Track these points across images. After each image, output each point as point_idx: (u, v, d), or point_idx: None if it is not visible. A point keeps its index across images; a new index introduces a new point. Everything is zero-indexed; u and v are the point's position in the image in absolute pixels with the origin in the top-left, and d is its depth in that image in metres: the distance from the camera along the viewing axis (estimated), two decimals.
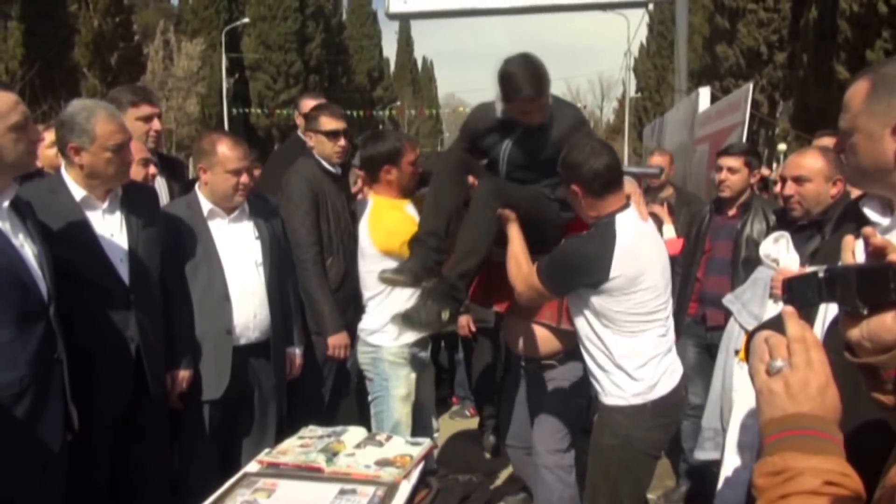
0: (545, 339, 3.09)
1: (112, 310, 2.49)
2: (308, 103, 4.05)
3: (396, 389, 3.16)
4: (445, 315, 2.73)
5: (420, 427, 3.28)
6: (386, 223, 3.16)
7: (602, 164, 2.43)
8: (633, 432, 2.50)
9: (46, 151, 3.04)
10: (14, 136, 1.99)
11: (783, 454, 0.86)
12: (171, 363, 2.78)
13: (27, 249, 2.10)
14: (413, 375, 3.21)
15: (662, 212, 4.42)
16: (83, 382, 2.34)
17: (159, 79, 27.04)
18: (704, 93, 6.87)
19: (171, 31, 29.42)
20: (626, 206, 2.50)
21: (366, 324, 3.24)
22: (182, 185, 3.56)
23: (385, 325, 3.09)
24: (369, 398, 3.28)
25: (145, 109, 3.30)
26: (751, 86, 5.65)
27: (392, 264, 2.92)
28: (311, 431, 2.45)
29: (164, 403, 2.75)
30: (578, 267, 2.45)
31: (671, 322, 2.60)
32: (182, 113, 27.62)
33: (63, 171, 2.54)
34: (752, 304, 2.87)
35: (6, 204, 2.06)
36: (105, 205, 2.55)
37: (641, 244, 2.48)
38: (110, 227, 2.56)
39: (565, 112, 2.86)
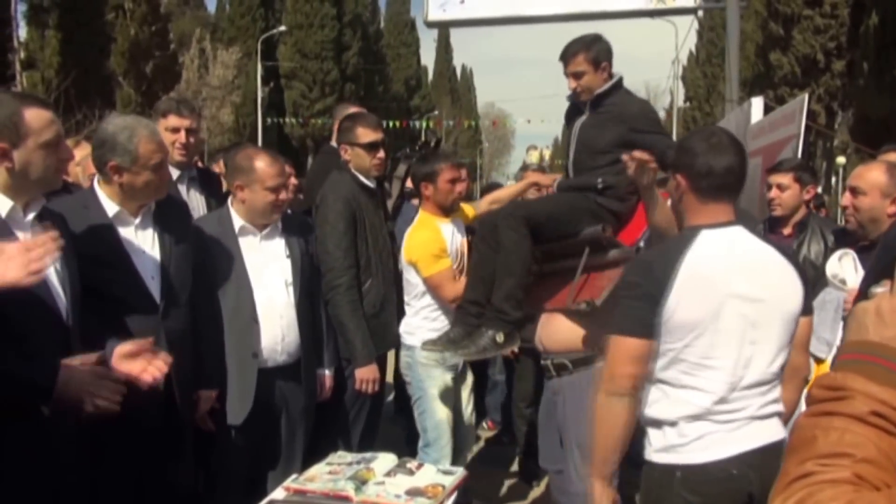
0: (561, 330, 3.01)
1: (142, 327, 2.50)
2: (345, 112, 3.96)
3: (432, 389, 3.35)
4: (500, 338, 2.90)
5: (458, 435, 3.45)
6: (413, 236, 3.41)
7: (722, 164, 2.03)
8: (660, 500, 2.05)
9: (73, 169, 3.10)
10: (44, 154, 2.03)
11: (847, 373, 0.88)
12: (198, 383, 2.80)
13: (52, 274, 2.10)
14: (448, 376, 3.38)
15: None
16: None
17: (194, 88, 27.65)
18: (757, 103, 6.70)
19: (207, 39, 30.09)
20: (729, 224, 2.07)
21: (404, 326, 3.43)
22: (218, 199, 3.56)
23: (419, 328, 3.35)
24: (411, 402, 3.45)
25: (173, 121, 3.34)
26: (806, 96, 5.53)
27: (412, 272, 3.33)
28: (340, 457, 2.44)
29: (192, 424, 2.78)
30: (632, 275, 2.07)
31: (773, 393, 2.06)
32: (216, 122, 28.19)
33: (96, 186, 2.59)
34: (822, 328, 2.72)
35: (30, 217, 2.10)
36: (138, 220, 2.59)
37: (726, 280, 1.99)
38: (143, 242, 2.59)
39: (633, 100, 3.09)
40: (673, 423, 2.01)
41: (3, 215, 2.01)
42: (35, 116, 2.01)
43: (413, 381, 3.40)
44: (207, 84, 28.54)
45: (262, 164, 2.95)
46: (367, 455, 2.43)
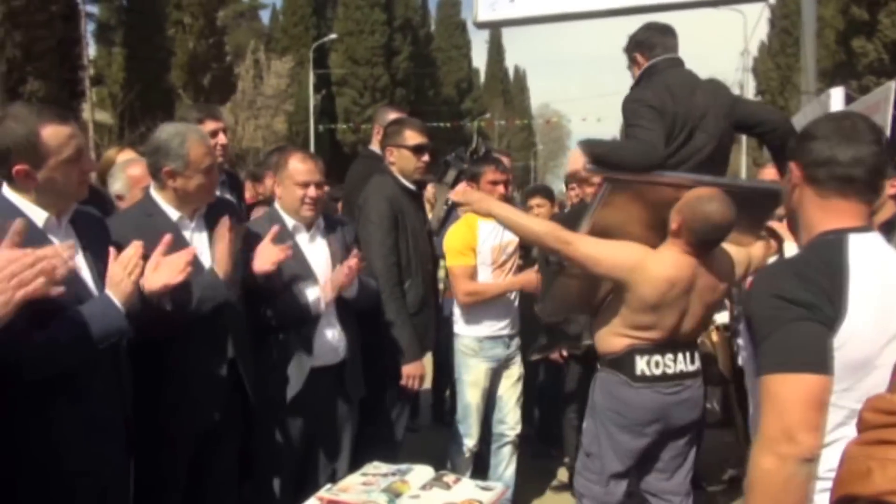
0: (596, 326, 3.04)
1: (205, 328, 2.58)
2: (389, 116, 4.00)
3: (466, 375, 3.68)
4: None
5: (498, 420, 3.78)
6: (450, 230, 3.81)
7: (848, 153, 1.64)
8: None
9: (131, 172, 3.19)
10: (66, 169, 2.09)
11: None
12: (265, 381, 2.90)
13: (85, 271, 2.18)
14: (485, 366, 3.67)
15: (782, 228, 3.69)
16: (173, 401, 2.52)
17: (249, 98, 28.61)
18: (837, 94, 6.09)
19: (261, 50, 31.00)
20: (866, 228, 1.68)
21: (454, 311, 3.78)
22: (240, 199, 3.71)
23: (461, 316, 3.70)
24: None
25: (210, 125, 3.36)
26: (894, 84, 4.87)
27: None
28: (375, 468, 2.34)
29: (252, 417, 2.88)
30: (796, 289, 1.56)
31: None
32: (270, 131, 29.11)
33: (153, 193, 2.68)
34: None
35: (64, 224, 2.18)
36: (193, 224, 2.69)
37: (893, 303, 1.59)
38: (199, 245, 2.66)
39: (713, 82, 3.14)
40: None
41: (40, 225, 2.08)
42: (53, 134, 2.05)
43: (455, 363, 3.73)
44: (262, 93, 29.26)
45: (294, 160, 3.06)
46: (403, 467, 2.32)
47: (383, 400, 3.41)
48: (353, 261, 2.97)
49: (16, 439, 1.98)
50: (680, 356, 2.88)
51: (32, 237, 1.89)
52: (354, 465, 2.59)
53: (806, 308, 1.53)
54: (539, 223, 3.00)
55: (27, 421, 2.00)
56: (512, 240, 3.62)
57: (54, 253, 1.72)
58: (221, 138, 3.42)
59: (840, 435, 1.51)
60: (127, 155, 3.50)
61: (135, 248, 2.16)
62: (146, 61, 24.40)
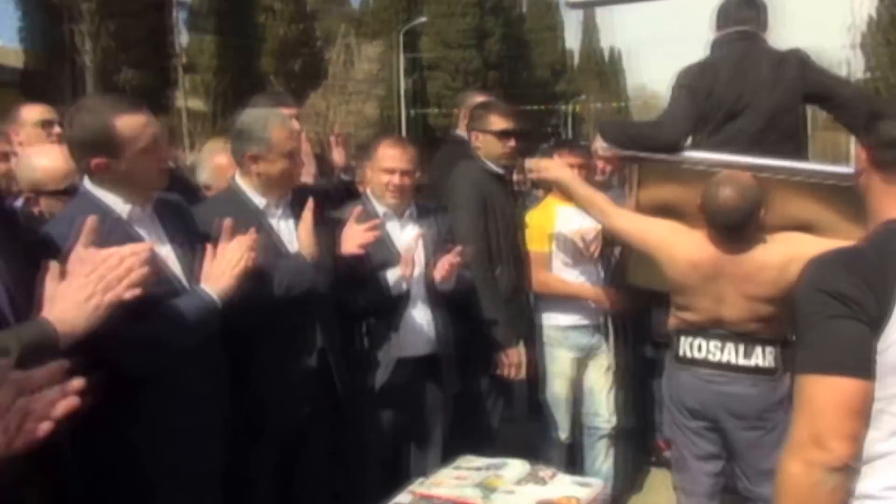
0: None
1: (294, 318, 2.58)
2: (474, 99, 4.03)
3: (551, 365, 3.62)
4: None
5: (591, 412, 3.68)
6: (528, 217, 3.69)
7: None
8: None
9: (218, 160, 3.17)
10: (144, 159, 2.09)
11: None
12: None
13: (173, 262, 2.17)
14: (570, 356, 3.61)
15: None
16: (263, 394, 2.47)
17: (339, 83, 28.80)
18: None
19: (351, 34, 31.23)
20: None
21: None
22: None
23: (546, 304, 3.62)
24: None
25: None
26: None
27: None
28: (468, 461, 2.37)
29: (346, 408, 2.83)
30: (839, 284, 1.45)
31: None
32: (361, 116, 29.23)
33: (238, 180, 2.68)
34: None
35: (147, 213, 2.17)
36: (280, 211, 2.68)
37: None
38: (286, 233, 2.68)
39: (783, 54, 3.10)
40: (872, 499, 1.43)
41: (125, 217, 2.08)
42: (127, 124, 2.04)
43: (542, 353, 3.65)
44: (352, 78, 29.64)
45: (383, 146, 3.09)
46: (497, 461, 2.34)
47: (478, 389, 3.39)
48: (452, 257, 2.97)
49: (112, 435, 1.95)
50: (730, 346, 2.84)
51: (117, 229, 2.00)
52: (447, 457, 2.55)
53: (849, 305, 1.42)
54: (593, 193, 3.11)
55: (123, 417, 1.97)
56: (592, 227, 3.48)
57: (135, 251, 1.66)
58: (295, 125, 3.33)
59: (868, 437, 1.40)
60: (218, 144, 3.50)
61: (240, 243, 2.18)
62: (237, 48, 24.73)
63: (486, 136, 3.44)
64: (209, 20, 26.74)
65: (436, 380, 3.10)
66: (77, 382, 1.17)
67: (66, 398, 1.15)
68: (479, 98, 4.03)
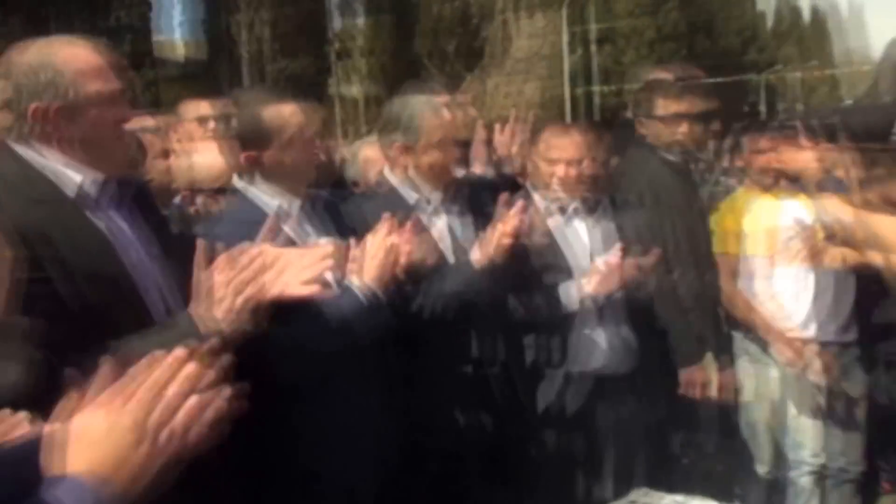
0: None
1: (456, 326, 2.57)
2: (651, 76, 3.86)
3: (750, 384, 3.42)
4: None
5: (794, 443, 3.37)
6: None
7: None
8: None
9: (366, 154, 3.26)
10: (293, 150, 2.21)
11: None
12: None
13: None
14: (775, 373, 3.36)
15: None
16: (420, 410, 2.47)
17: (497, 62, 28.94)
18: None
19: (510, 9, 31.24)
20: None
21: None
22: None
23: None
24: None
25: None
26: None
27: None
28: (646, 496, 2.30)
29: (508, 426, 2.81)
30: None
31: None
32: (521, 98, 29.23)
33: (387, 174, 2.73)
34: None
35: (296, 210, 2.25)
36: (431, 207, 2.69)
37: None
38: (443, 231, 2.68)
39: None
40: None
41: (274, 213, 2.13)
42: (274, 115, 2.16)
43: (741, 370, 3.45)
44: (512, 57, 29.70)
45: (547, 133, 3.08)
46: (679, 498, 2.25)
47: (657, 412, 3.20)
48: (613, 257, 2.89)
49: (263, 442, 1.98)
50: None
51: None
52: (620, 489, 2.51)
53: None
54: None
55: (274, 423, 2.01)
56: (795, 224, 3.13)
57: (267, 251, 1.67)
58: (466, 111, 3.31)
59: None
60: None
61: (392, 236, 2.14)
62: (390, 31, 25.44)
63: (653, 122, 3.35)
64: (362, 2, 27.82)
65: (609, 399, 3.04)
66: (229, 389, 1.16)
67: (220, 402, 1.14)
68: (659, 74, 3.86)
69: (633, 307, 3.07)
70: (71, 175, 1.72)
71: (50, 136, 1.72)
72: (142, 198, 1.93)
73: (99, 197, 1.76)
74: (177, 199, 2.82)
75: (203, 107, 3.41)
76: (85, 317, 1.60)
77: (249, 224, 1.89)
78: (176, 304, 1.74)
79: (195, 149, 2.91)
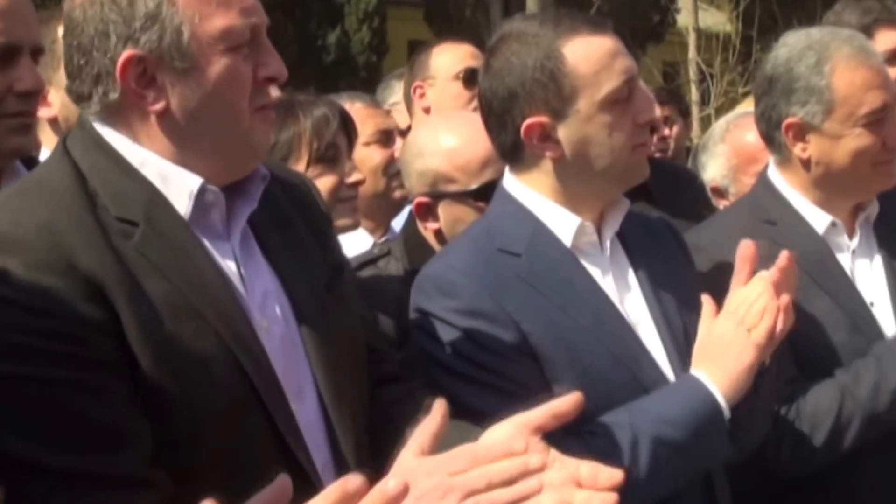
0: None
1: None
2: None
3: None
4: None
5: None
6: None
7: None
8: None
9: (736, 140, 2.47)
10: (609, 119, 1.72)
11: None
12: None
13: (643, 314, 1.77)
14: None
15: None
16: None
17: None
18: None
19: None
20: None
21: None
22: None
23: None
24: None
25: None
26: None
27: None
28: None
29: None
30: None
31: None
32: None
33: (773, 175, 2.17)
34: None
35: (608, 240, 1.65)
36: (856, 242, 1.98)
37: None
38: (867, 279, 1.97)
39: None
40: None
41: (570, 242, 1.52)
42: (581, 53, 1.46)
43: None
44: None
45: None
46: None
47: None
48: None
49: None
50: None
51: (561, 262, 1.50)
52: None
53: None
54: None
55: None
56: None
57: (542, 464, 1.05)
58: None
59: None
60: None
61: (762, 286, 1.48)
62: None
63: None
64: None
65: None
66: None
67: None
68: None
69: None
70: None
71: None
72: None
73: None
74: (404, 211, 1.87)
75: (467, 54, 2.35)
76: None
77: None
78: None
79: (441, 128, 1.88)
